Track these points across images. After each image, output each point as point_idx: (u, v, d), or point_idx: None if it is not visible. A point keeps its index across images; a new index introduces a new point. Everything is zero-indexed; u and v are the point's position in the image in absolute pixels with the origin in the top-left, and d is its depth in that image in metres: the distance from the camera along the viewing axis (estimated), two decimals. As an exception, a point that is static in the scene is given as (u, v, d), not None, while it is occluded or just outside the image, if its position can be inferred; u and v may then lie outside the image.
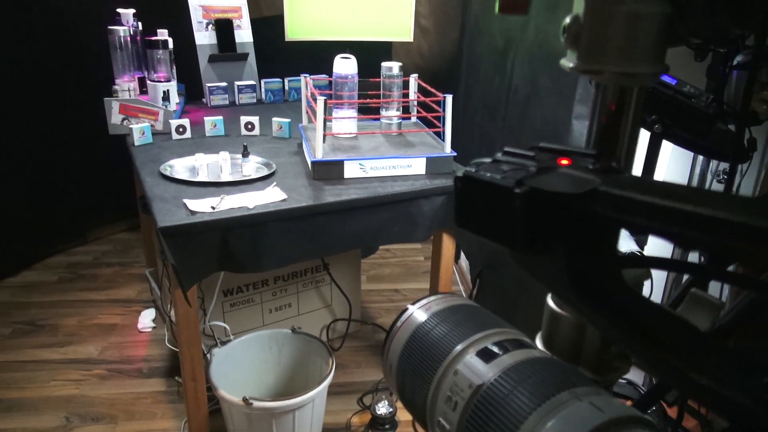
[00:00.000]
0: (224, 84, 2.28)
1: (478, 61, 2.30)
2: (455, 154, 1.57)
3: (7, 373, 1.94)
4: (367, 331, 2.22)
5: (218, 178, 1.48)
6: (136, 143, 1.74)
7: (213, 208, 1.27)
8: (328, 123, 1.53)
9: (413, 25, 2.55)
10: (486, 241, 0.36)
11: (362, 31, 2.53)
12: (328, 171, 1.51)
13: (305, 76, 1.75)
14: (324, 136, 1.47)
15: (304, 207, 1.34)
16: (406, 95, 1.72)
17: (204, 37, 2.29)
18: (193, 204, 1.29)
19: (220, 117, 1.88)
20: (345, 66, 1.61)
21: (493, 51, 2.11)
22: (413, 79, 1.74)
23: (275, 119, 1.89)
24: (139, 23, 2.15)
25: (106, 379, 1.92)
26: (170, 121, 1.82)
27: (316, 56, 2.79)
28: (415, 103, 1.72)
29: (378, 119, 1.81)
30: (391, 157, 1.52)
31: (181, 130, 1.83)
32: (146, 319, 2.22)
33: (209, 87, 2.25)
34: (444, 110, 1.53)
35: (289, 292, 1.90)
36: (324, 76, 2.44)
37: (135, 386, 1.88)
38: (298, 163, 1.64)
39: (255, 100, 2.35)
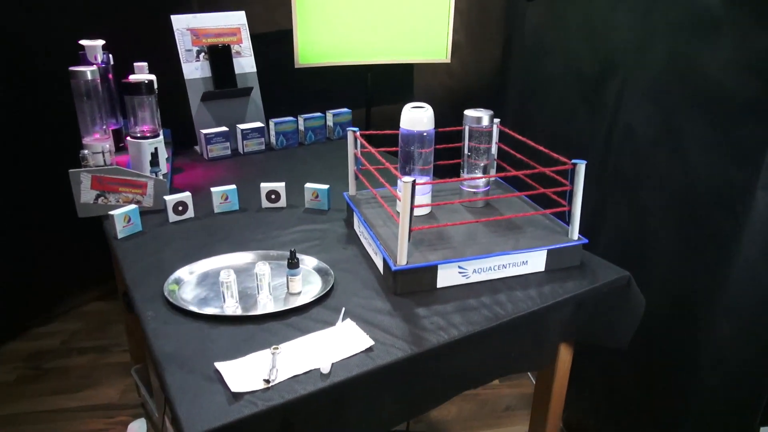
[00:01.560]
0: (224, 129, 1.78)
1: (545, 87, 1.84)
2: (586, 241, 1.11)
3: None
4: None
5: (255, 305, 0.99)
6: (120, 235, 1.23)
7: (267, 382, 0.79)
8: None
9: (450, 44, 2.08)
10: None
11: (386, 52, 2.06)
12: (416, 281, 1.03)
13: (353, 131, 1.26)
14: (410, 233, 0.99)
15: (402, 360, 0.87)
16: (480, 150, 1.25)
17: (194, 70, 1.77)
18: (235, 379, 0.80)
19: (233, 187, 1.38)
20: (420, 119, 1.13)
21: (576, 76, 1.65)
22: (496, 127, 1.27)
23: (309, 186, 1.39)
24: (110, 56, 1.62)
25: None
26: (165, 197, 1.31)
27: (333, 84, 2.30)
28: (492, 161, 1.25)
29: (457, 183, 1.33)
30: (500, 254, 1.05)
31: (180, 209, 1.32)
32: (138, 440, 1.71)
33: (206, 135, 1.73)
34: (573, 181, 1.06)
35: None
36: (345, 110, 1.95)
37: None
38: (356, 259, 1.15)
39: (264, 147, 1.85)
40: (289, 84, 2.09)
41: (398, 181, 1.20)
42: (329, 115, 1.97)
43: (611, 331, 1.16)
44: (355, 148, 1.28)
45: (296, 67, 1.97)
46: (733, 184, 1.11)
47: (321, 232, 1.28)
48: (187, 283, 1.05)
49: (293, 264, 1.00)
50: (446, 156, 1.33)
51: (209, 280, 1.07)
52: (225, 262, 1.12)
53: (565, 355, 1.17)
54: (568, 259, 1.12)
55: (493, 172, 1.25)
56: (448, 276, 1.05)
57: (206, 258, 1.13)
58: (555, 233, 1.13)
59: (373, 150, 1.17)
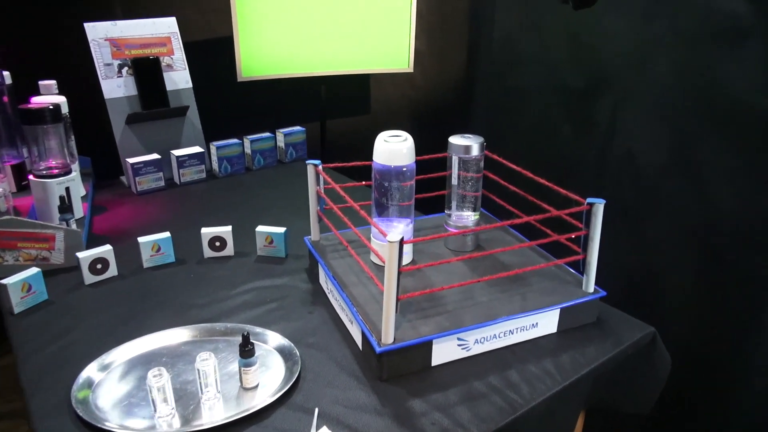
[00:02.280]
0: (155, 156, 1.51)
1: (519, 101, 1.66)
2: (604, 293, 0.92)
3: None
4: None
5: (199, 410, 0.75)
6: (17, 309, 0.96)
7: None
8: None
9: (413, 52, 1.88)
10: None
11: (342, 63, 1.83)
12: (406, 362, 0.82)
13: (313, 164, 1.03)
14: (397, 303, 0.77)
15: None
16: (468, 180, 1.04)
17: (116, 87, 1.49)
18: None
19: (166, 235, 1.12)
20: (398, 152, 0.92)
21: (558, 90, 1.48)
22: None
23: (261, 230, 1.15)
24: (6, 74, 1.33)
25: None
26: (78, 254, 1.04)
27: (283, 99, 2.04)
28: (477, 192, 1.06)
29: (441, 220, 1.13)
30: (506, 318, 0.85)
31: (99, 267, 1.05)
32: None
33: (133, 165, 1.46)
34: (588, 223, 0.87)
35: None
36: (298, 128, 1.72)
37: None
38: (325, 328, 0.93)
39: (204, 175, 1.59)
40: (231, 101, 1.83)
41: (372, 231, 0.99)
42: (280, 135, 1.73)
43: (633, 396, 0.98)
44: (317, 184, 1.05)
45: (239, 80, 1.72)
46: (765, 217, 0.95)
47: (279, 289, 1.04)
48: (104, 383, 0.80)
49: (247, 352, 0.77)
50: (424, 186, 1.12)
51: (136, 373, 0.81)
52: (156, 344, 0.87)
53: (577, 427, 0.98)
54: (583, 317, 0.93)
55: (478, 204, 1.05)
56: (445, 351, 0.83)
57: (132, 340, 0.87)
58: (566, 285, 0.94)
59: (340, 190, 0.94)
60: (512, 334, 0.88)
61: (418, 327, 0.82)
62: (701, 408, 1.11)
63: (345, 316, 0.93)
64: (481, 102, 1.94)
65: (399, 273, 0.76)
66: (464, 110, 2.09)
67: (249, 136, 1.67)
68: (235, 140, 1.63)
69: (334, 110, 2.06)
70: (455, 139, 1.00)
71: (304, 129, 1.75)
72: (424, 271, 0.98)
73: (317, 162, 1.04)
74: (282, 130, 1.73)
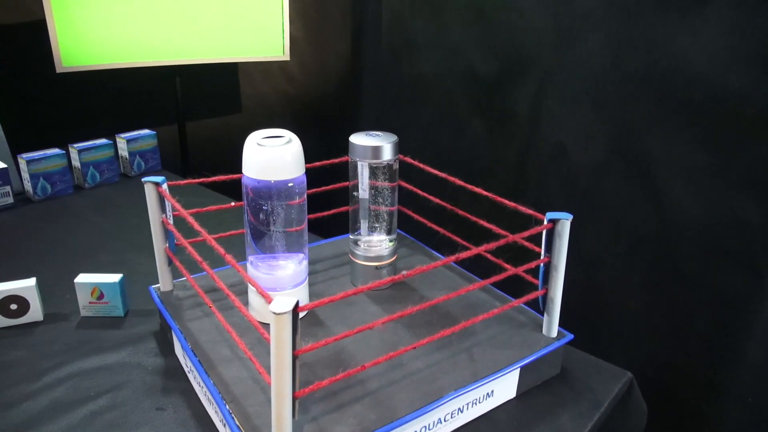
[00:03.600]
0: (-70, 178, 1.06)
1: (417, 92, 1.43)
2: (572, 337, 0.69)
3: None
4: None
5: None
6: None
7: None
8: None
9: (288, 36, 1.58)
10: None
11: (200, 49, 1.48)
12: (314, 491, 0.52)
13: (153, 183, 0.70)
14: (294, 403, 0.48)
15: None
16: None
17: None
18: None
19: None
20: (280, 162, 0.62)
21: (464, 77, 1.25)
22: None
23: (84, 280, 0.79)
24: None
25: None
26: None
27: (124, 95, 1.61)
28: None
29: (344, 247, 0.84)
30: (454, 394, 0.59)
31: None
32: None
33: None
34: (551, 248, 0.64)
35: None
36: (147, 132, 1.35)
37: None
38: (186, 433, 0.61)
39: (12, 200, 1.17)
40: (51, 99, 1.41)
41: (250, 295, 0.69)
42: (121, 141, 1.34)
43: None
44: (163, 212, 0.72)
45: (59, 71, 1.30)
46: (734, 221, 0.78)
47: (112, 373, 0.70)
48: None
49: None
50: (313, 204, 0.84)
51: None
52: None
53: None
54: (547, 369, 0.70)
55: (395, 224, 0.78)
56: (374, 459, 0.55)
57: None
58: (520, 327, 0.70)
59: (189, 217, 0.62)
60: (461, 412, 0.62)
61: (328, 429, 0.53)
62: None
63: (214, 413, 0.61)
64: (370, 95, 1.68)
65: (295, 359, 0.47)
66: (351, 105, 1.82)
67: (76, 144, 1.26)
68: (57, 150, 1.22)
69: (195, 109, 1.70)
70: (359, 139, 0.72)
71: (154, 133, 1.38)
72: (329, 326, 0.69)
73: (159, 179, 0.70)
74: (124, 135, 1.34)
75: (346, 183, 0.78)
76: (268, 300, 0.46)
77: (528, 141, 1.09)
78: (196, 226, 0.61)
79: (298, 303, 0.45)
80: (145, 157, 1.37)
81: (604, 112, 0.94)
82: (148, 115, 1.53)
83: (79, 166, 1.26)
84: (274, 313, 0.44)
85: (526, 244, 0.65)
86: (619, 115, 0.92)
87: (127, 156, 1.34)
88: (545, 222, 0.63)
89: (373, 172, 0.72)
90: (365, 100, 1.71)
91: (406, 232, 0.93)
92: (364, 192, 0.73)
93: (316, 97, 1.91)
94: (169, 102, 1.56)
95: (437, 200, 0.81)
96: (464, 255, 0.57)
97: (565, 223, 0.63)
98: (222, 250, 0.56)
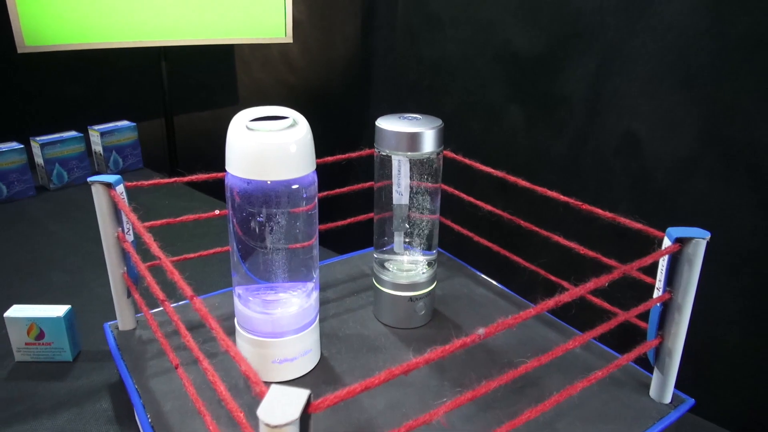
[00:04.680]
0: None
1: (440, 76, 1.23)
2: (693, 403, 0.49)
3: None
4: None
5: None
6: None
7: None
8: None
9: (290, 15, 1.39)
10: None
11: (189, 28, 1.29)
12: None
13: (102, 184, 0.50)
14: None
15: None
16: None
17: None
18: None
19: None
20: (283, 153, 0.42)
21: (500, 55, 1.06)
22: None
23: (16, 313, 0.59)
24: None
25: None
26: None
27: (97, 81, 1.40)
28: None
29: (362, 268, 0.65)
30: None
31: None
32: None
33: None
34: (672, 280, 0.44)
35: None
36: (125, 123, 1.16)
37: None
38: None
39: (-43, 204, 0.97)
40: (9, 84, 1.21)
41: (238, 339, 0.49)
42: (95, 134, 1.14)
43: None
44: (119, 225, 0.52)
45: (20, 52, 1.10)
46: None
47: (43, 450, 0.50)
48: None
49: None
50: (325, 213, 0.64)
51: None
52: None
53: None
54: (656, 452, 0.50)
55: (436, 237, 0.58)
56: None
57: None
58: (614, 387, 0.50)
59: (142, 232, 0.42)
60: None
61: None
62: None
63: None
64: (383, 83, 1.48)
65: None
66: (361, 95, 1.62)
67: (39, 138, 1.06)
68: (16, 145, 1.03)
69: (184, 100, 1.50)
70: (392, 123, 0.52)
71: (134, 125, 1.18)
72: (347, 383, 0.49)
73: (111, 179, 0.51)
74: (97, 127, 1.14)
75: (368, 184, 0.59)
76: (260, 392, 0.26)
77: (584, 131, 0.89)
78: (153, 247, 0.41)
79: (309, 400, 0.25)
80: (123, 153, 1.17)
81: (695, 92, 0.74)
82: (129, 106, 1.34)
83: (43, 164, 1.06)
84: (269, 426, 0.24)
85: (638, 275, 0.45)
86: (716, 96, 0.72)
87: (102, 152, 1.14)
88: (667, 242, 0.43)
89: (414, 168, 0.53)
90: (377, 89, 1.51)
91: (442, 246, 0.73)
92: (401, 196, 0.53)
93: (320, 86, 1.71)
94: (154, 91, 1.36)
95: (492, 208, 0.61)
96: (566, 298, 0.37)
97: (699, 244, 0.43)
98: (187, 291, 0.36)
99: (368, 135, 0.63)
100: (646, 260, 0.42)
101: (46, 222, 0.95)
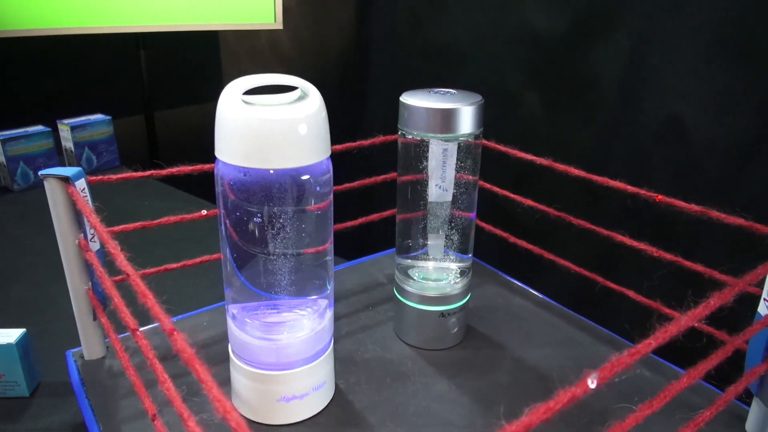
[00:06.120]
0: None
1: (450, 61, 1.13)
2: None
3: None
4: None
5: None
6: None
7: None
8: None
9: (280, 0, 1.28)
10: None
11: (166, 14, 1.17)
12: None
13: (58, 177, 0.39)
14: None
15: None
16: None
17: None
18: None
19: None
20: (290, 132, 0.32)
21: (520, 37, 0.96)
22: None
23: (-46, 344, 0.48)
24: None
25: None
26: None
27: (67, 70, 1.29)
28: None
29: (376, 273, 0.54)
30: None
31: None
32: None
33: None
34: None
35: None
36: (100, 117, 1.05)
37: None
38: None
39: None
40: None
41: (232, 372, 0.39)
42: (65, 128, 1.03)
43: None
44: (79, 230, 0.42)
45: (-20, 38, 0.98)
46: None
47: None
48: None
49: None
50: (343, 210, 0.54)
51: None
52: None
53: None
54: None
55: (471, 239, 0.48)
56: None
57: None
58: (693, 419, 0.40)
59: (106, 239, 0.32)
60: None
61: None
62: None
63: None
64: (382, 72, 1.37)
65: None
66: (358, 87, 1.52)
67: (1, 133, 0.95)
68: (-27, 141, 0.91)
69: (166, 92, 1.38)
70: (424, 99, 0.42)
71: (108, 118, 1.07)
72: (372, 424, 0.39)
73: (68, 172, 0.40)
74: (67, 121, 1.03)
75: (392, 175, 0.49)
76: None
77: (617, 117, 0.80)
78: (120, 258, 0.30)
79: None
80: (97, 150, 1.06)
81: (753, 70, 0.64)
82: (104, 98, 1.22)
83: (5, 162, 0.95)
84: None
85: (752, 289, 0.35)
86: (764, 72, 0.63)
87: (72, 148, 1.02)
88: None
89: (459, 155, 0.43)
90: (376, 80, 1.40)
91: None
92: (444, 192, 0.43)
93: (313, 78, 1.59)
94: (132, 82, 1.25)
95: (536, 204, 0.51)
96: (674, 331, 0.27)
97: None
98: (166, 323, 0.25)
99: (365, 131, 0.54)
100: (759, 273, 0.32)
101: (6, 226, 0.84)
